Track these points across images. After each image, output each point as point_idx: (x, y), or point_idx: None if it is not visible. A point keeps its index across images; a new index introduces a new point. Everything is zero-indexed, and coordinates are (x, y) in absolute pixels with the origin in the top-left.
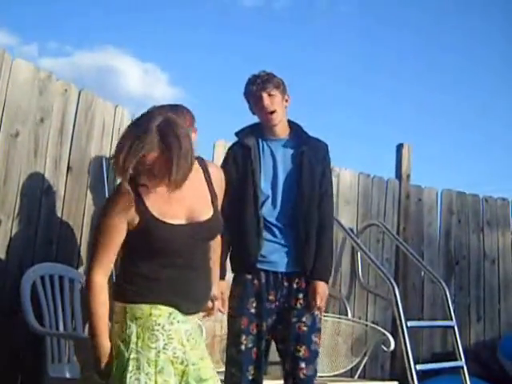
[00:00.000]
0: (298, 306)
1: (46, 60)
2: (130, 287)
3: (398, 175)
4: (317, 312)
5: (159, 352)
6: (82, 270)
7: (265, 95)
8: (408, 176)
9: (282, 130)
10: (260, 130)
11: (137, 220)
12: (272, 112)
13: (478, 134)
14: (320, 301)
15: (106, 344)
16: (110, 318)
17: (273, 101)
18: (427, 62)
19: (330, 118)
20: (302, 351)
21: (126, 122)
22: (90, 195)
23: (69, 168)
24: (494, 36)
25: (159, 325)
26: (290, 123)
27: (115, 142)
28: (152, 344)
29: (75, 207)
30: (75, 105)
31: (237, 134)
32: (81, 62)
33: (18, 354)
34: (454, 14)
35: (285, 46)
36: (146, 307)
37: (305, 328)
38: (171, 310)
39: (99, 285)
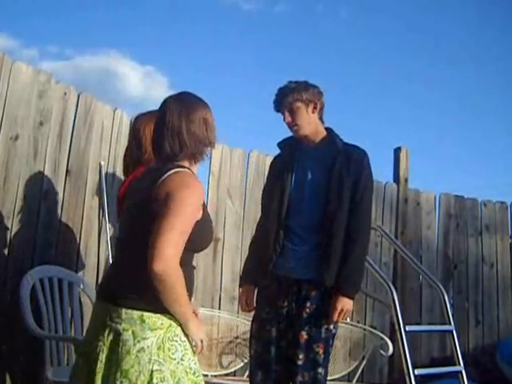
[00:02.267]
0: (304, 314)
1: (46, 63)
2: (149, 295)
3: (396, 179)
4: (325, 324)
5: (178, 363)
6: (81, 273)
7: (286, 111)
8: (406, 180)
9: (314, 139)
10: (296, 140)
11: (200, 214)
12: (294, 126)
13: (477, 138)
14: (336, 316)
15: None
16: (101, 323)
17: (295, 115)
18: (426, 66)
19: (326, 121)
20: (300, 359)
21: (125, 126)
22: (88, 198)
23: (68, 171)
24: (494, 39)
25: (177, 335)
26: (327, 130)
27: (114, 146)
28: (173, 355)
29: (74, 210)
30: (74, 108)
31: (278, 144)
32: (81, 65)
33: (17, 357)
34: (454, 13)
35: (285, 49)
36: (165, 317)
37: (306, 337)
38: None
39: (180, 270)
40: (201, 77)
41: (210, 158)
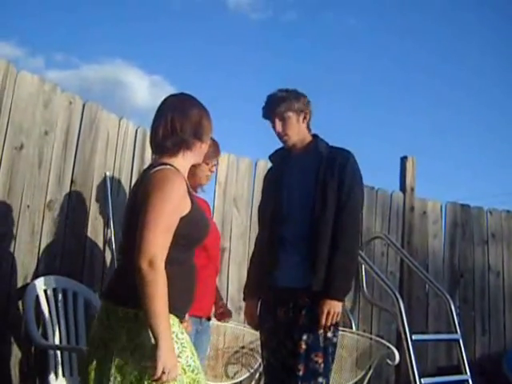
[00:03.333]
0: (301, 322)
1: (52, 72)
2: None
3: (403, 188)
4: (321, 331)
5: None
6: (86, 283)
7: (277, 120)
8: (412, 189)
9: (301, 147)
10: (286, 150)
11: (187, 209)
12: (285, 135)
13: (482, 147)
14: (324, 319)
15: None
16: (101, 322)
17: (286, 125)
18: (432, 76)
19: (333, 130)
20: (300, 369)
21: (131, 135)
22: (93, 208)
23: (73, 181)
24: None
25: (174, 333)
26: (313, 137)
27: (119, 155)
28: None
29: (79, 220)
30: (79, 117)
31: (269, 157)
32: (87, 74)
33: (21, 367)
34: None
35: (292, 58)
36: None
37: (304, 346)
38: (177, 318)
39: (163, 269)
40: (208, 86)
41: (217, 168)
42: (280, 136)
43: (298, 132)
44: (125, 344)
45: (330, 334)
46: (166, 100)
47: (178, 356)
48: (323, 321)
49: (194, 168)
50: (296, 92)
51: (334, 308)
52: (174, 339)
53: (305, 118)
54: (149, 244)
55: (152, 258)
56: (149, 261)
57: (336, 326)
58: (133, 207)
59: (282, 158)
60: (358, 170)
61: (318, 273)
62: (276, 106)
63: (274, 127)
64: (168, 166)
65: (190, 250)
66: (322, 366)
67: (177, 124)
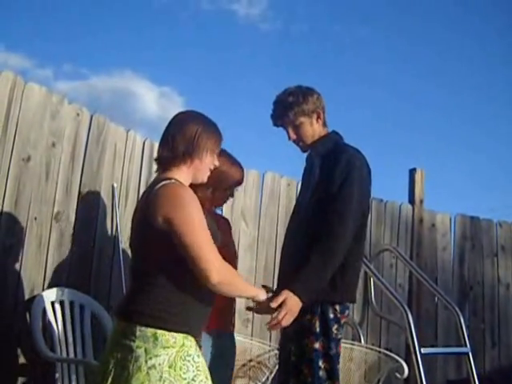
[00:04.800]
0: (288, 330)
1: (61, 83)
2: (163, 314)
3: (411, 200)
4: (306, 341)
5: (188, 383)
6: (93, 295)
7: (289, 129)
8: (421, 201)
9: (318, 147)
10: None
11: None
12: (300, 142)
13: (492, 159)
14: (281, 314)
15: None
16: (116, 341)
17: (300, 131)
18: (441, 88)
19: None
20: (292, 382)
21: (138, 147)
22: (101, 220)
23: (80, 193)
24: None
25: (190, 355)
26: (325, 135)
27: (127, 167)
28: (184, 374)
29: (86, 232)
30: (87, 129)
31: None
32: (96, 85)
33: (29, 380)
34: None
35: (301, 69)
36: (179, 336)
37: (293, 358)
38: (194, 339)
39: (231, 270)
40: (216, 97)
41: None
42: (295, 143)
43: (313, 134)
44: (141, 364)
45: (317, 345)
46: (174, 116)
47: (193, 380)
48: (280, 316)
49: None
50: (302, 91)
51: (291, 306)
52: (190, 362)
53: (318, 117)
54: (208, 262)
55: (219, 269)
56: (217, 272)
57: (327, 336)
58: (140, 225)
59: (306, 159)
60: (354, 168)
61: (296, 274)
62: (285, 115)
63: (287, 135)
64: (173, 180)
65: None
66: (310, 380)
67: (172, 140)
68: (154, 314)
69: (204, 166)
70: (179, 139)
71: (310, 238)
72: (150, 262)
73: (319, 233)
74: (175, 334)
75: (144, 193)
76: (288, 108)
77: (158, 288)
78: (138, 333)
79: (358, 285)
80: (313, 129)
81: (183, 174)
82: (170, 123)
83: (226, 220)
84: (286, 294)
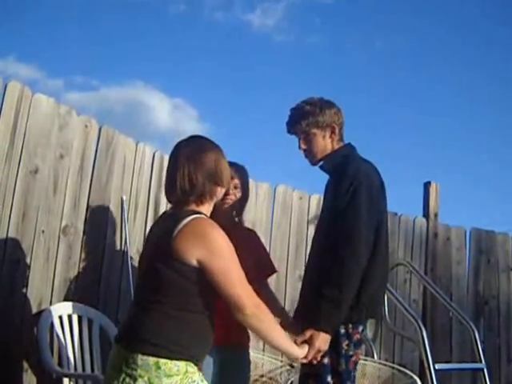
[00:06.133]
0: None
1: (71, 94)
2: (165, 341)
3: (426, 214)
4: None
5: None
6: (102, 310)
7: (301, 138)
8: (436, 215)
9: (326, 163)
10: None
11: None
12: (309, 154)
13: (507, 171)
14: (311, 356)
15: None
16: (118, 369)
17: (311, 142)
18: (455, 99)
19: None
20: None
21: (148, 159)
22: (109, 234)
23: (88, 205)
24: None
25: (194, 381)
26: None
27: (136, 179)
28: None
29: (95, 246)
30: (96, 141)
31: None
32: (108, 96)
33: None
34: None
35: (314, 81)
36: (182, 364)
37: (301, 372)
38: (196, 366)
39: (266, 309)
40: (229, 110)
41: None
42: (304, 154)
43: (324, 149)
44: None
45: (325, 360)
46: (178, 148)
47: None
48: (310, 355)
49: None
50: (321, 103)
51: (318, 342)
52: None
53: (333, 132)
54: (246, 298)
55: (255, 304)
56: (254, 307)
57: (336, 351)
58: (159, 253)
59: None
60: (360, 184)
61: (303, 305)
62: (298, 123)
63: (298, 144)
64: (201, 216)
65: (214, 297)
66: None
67: (193, 176)
68: (157, 343)
69: (223, 190)
70: (202, 174)
71: (324, 261)
72: (159, 291)
73: (331, 256)
74: (177, 362)
75: (168, 216)
76: (302, 117)
77: (165, 317)
78: (139, 361)
79: (380, 300)
80: (324, 143)
81: (206, 207)
82: (180, 158)
83: (249, 231)
84: (311, 333)
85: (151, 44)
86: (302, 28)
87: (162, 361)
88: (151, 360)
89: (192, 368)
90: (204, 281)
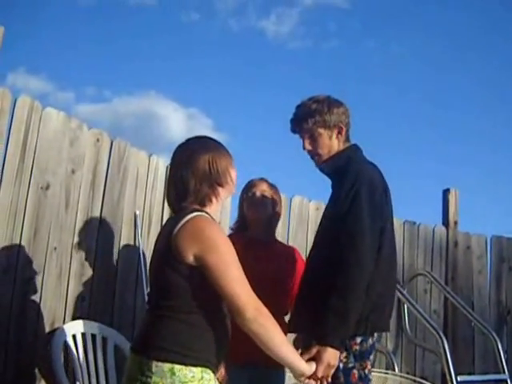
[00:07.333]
0: None
1: (83, 106)
2: (179, 347)
3: (445, 222)
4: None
5: None
6: (116, 327)
7: (305, 137)
8: (455, 223)
9: (329, 165)
10: None
11: None
12: (315, 155)
13: None
14: (320, 372)
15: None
16: (133, 378)
17: (316, 142)
18: (473, 105)
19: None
20: None
21: (161, 173)
22: (123, 249)
23: (101, 221)
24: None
25: None
26: (343, 151)
27: (149, 194)
28: None
29: (108, 262)
30: (107, 155)
31: None
32: (120, 107)
33: None
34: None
35: (330, 89)
36: (197, 370)
37: None
38: (213, 373)
39: (268, 315)
40: (244, 119)
41: None
42: (310, 155)
43: (330, 150)
44: None
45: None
46: (174, 154)
47: None
48: (320, 373)
49: None
50: (329, 101)
51: (327, 358)
52: None
53: (339, 132)
54: (246, 297)
55: (256, 306)
56: (254, 309)
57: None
58: (162, 254)
59: None
60: (361, 187)
61: (299, 315)
62: (304, 121)
63: (302, 144)
64: (203, 213)
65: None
66: None
67: (185, 181)
68: (172, 349)
69: (232, 183)
70: (196, 178)
71: (325, 270)
72: (168, 295)
73: (334, 266)
74: (193, 368)
75: (170, 219)
76: (309, 115)
77: (177, 322)
78: (154, 368)
79: (385, 312)
80: (330, 143)
81: (211, 207)
82: (174, 164)
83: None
84: (318, 349)
85: (163, 54)
86: (317, 34)
87: (177, 367)
88: (166, 366)
89: (208, 375)
90: (206, 281)
